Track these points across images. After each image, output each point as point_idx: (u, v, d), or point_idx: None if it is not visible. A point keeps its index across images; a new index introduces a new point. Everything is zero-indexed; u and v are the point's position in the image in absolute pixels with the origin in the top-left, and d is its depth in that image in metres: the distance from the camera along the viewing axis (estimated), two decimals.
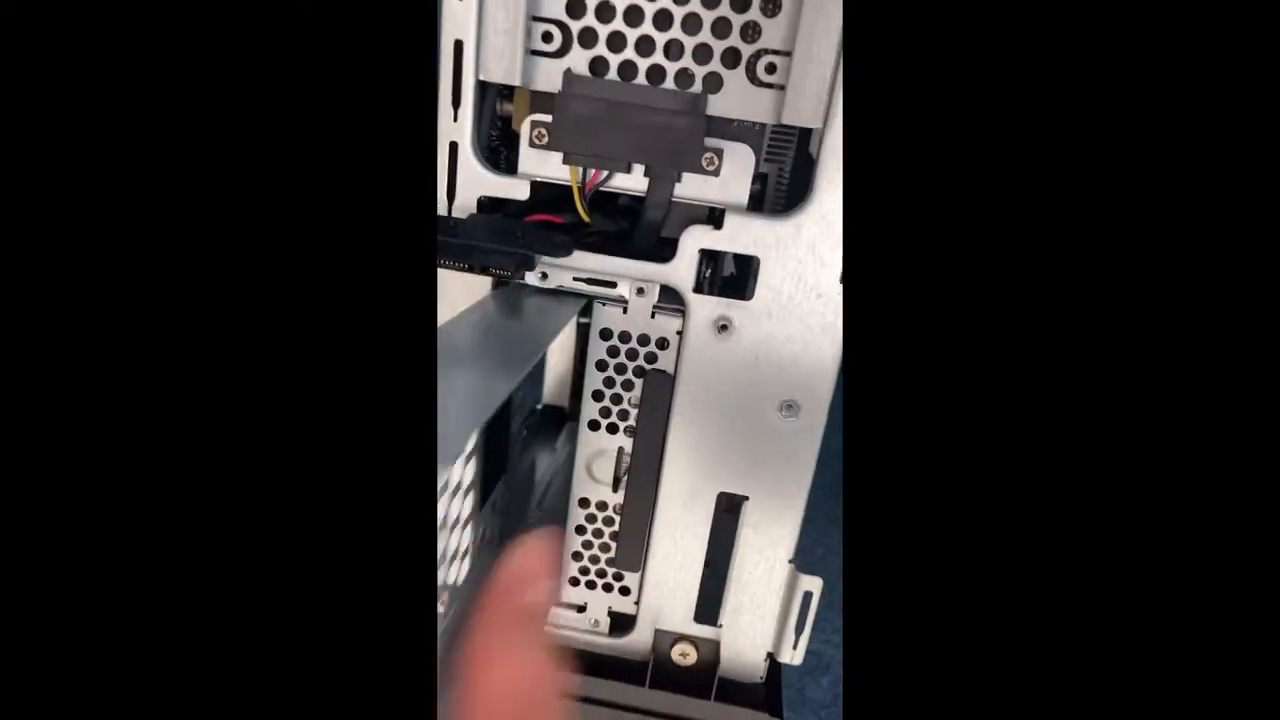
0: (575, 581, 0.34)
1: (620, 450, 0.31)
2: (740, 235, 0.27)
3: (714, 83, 0.27)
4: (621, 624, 0.34)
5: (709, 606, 0.32)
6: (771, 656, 0.33)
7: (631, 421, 0.31)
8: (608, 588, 0.34)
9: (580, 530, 0.33)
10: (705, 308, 0.28)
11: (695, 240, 0.28)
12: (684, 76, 0.27)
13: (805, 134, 0.29)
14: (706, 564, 0.32)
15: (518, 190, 0.28)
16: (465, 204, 0.28)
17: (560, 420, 0.41)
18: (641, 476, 0.31)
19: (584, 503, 0.33)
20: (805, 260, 0.27)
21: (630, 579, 0.33)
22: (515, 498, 0.37)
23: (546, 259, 0.27)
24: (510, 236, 0.26)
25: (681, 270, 0.28)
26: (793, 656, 0.32)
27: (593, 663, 0.33)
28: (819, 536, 0.49)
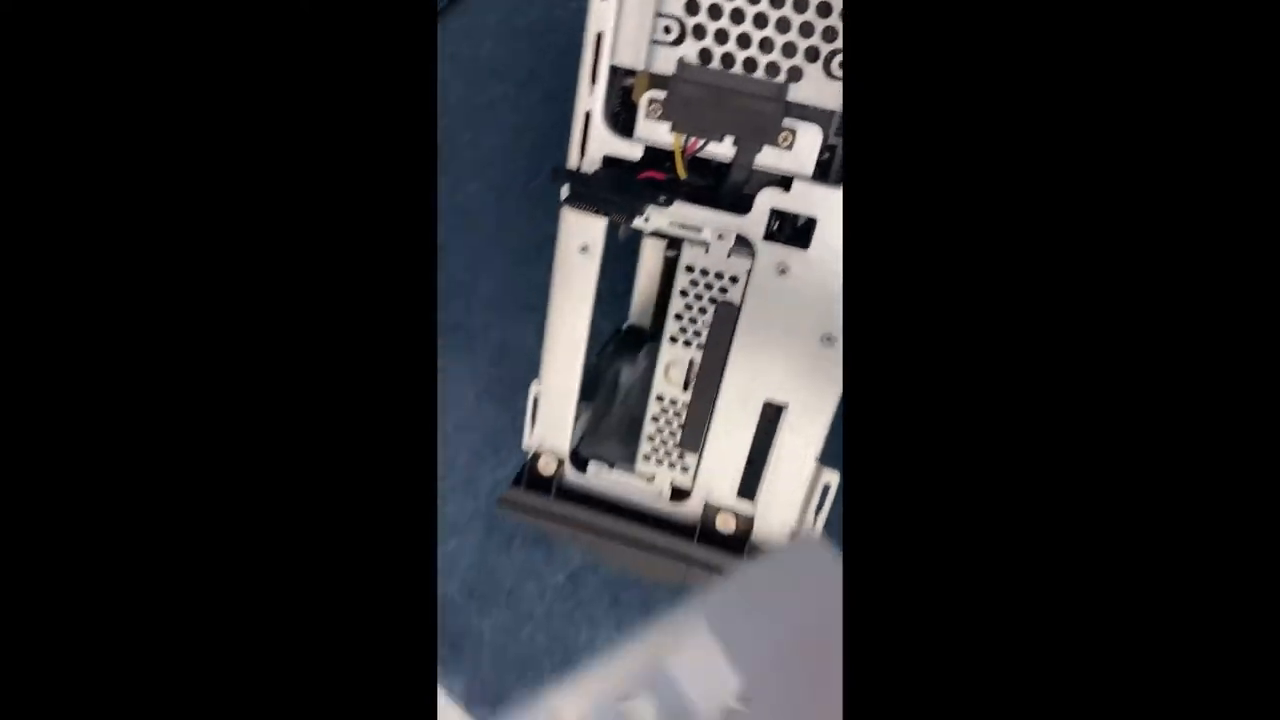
0: (647, 458, 0.43)
1: (691, 361, 0.40)
2: (803, 198, 0.35)
3: (796, 74, 0.33)
4: (679, 494, 0.43)
5: (749, 486, 0.41)
6: (794, 533, 0.42)
7: (703, 339, 0.39)
8: (672, 465, 0.43)
9: (655, 420, 0.42)
10: (770, 253, 0.36)
11: (768, 199, 0.35)
12: (772, 68, 0.34)
13: None
14: (750, 457, 0.41)
15: (634, 151, 0.35)
16: (592, 160, 0.36)
17: (640, 339, 0.50)
18: (706, 381, 0.40)
19: (659, 399, 0.42)
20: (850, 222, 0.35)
21: (690, 459, 0.42)
22: (603, 396, 0.47)
23: (651, 207, 0.35)
24: (625, 188, 0.34)
25: (754, 222, 0.36)
26: (813, 530, 0.41)
27: (655, 522, 0.43)
28: None
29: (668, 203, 0.34)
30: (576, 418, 0.44)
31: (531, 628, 0.53)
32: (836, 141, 0.36)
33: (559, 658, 0.52)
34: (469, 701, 0.52)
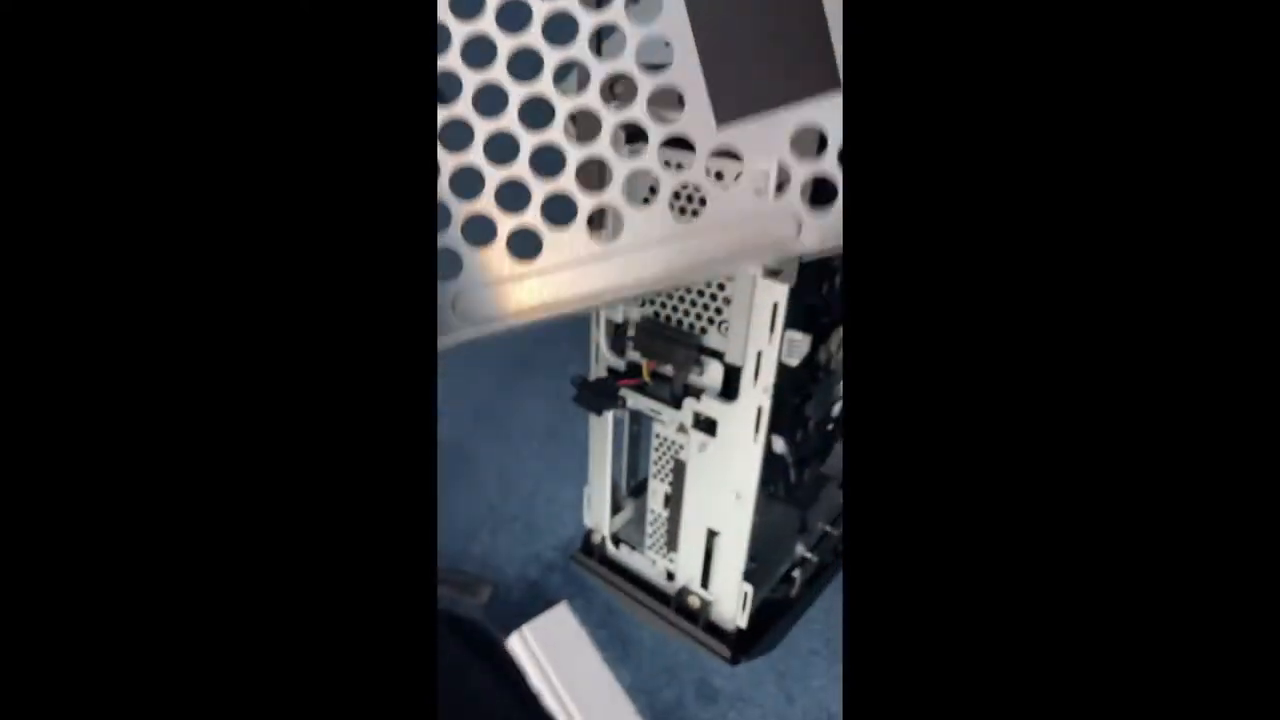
0: (650, 549, 0.65)
1: (666, 494, 0.61)
2: (708, 406, 0.54)
3: (703, 330, 0.53)
4: (670, 575, 0.64)
5: (704, 580, 0.61)
6: (739, 628, 0.60)
7: (671, 477, 0.60)
8: (663, 556, 0.64)
9: (651, 524, 0.64)
10: (695, 436, 0.55)
11: (689, 404, 0.55)
12: (691, 327, 0.53)
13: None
14: (705, 562, 0.60)
15: (620, 364, 0.58)
16: (600, 369, 0.59)
17: None
18: (673, 508, 0.60)
19: (653, 512, 0.63)
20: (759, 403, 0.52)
21: (672, 555, 0.63)
22: (641, 500, 0.70)
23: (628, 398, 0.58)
24: (602, 392, 0.57)
25: (684, 415, 0.55)
26: (742, 620, 0.59)
27: (653, 591, 0.65)
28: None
29: (623, 403, 0.56)
30: (617, 511, 0.68)
31: None
32: (739, 364, 0.54)
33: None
34: None
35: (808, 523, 0.67)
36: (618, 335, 0.59)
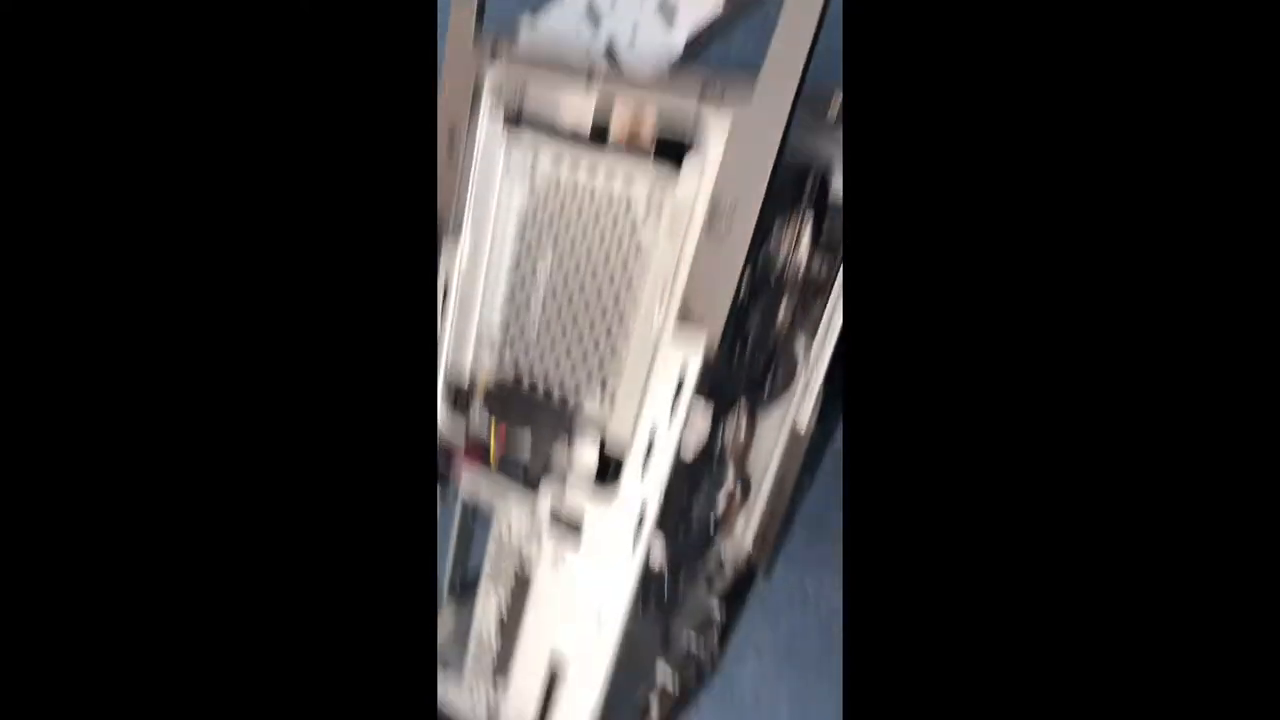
0: (473, 674, 0.49)
1: (500, 611, 0.46)
2: (575, 502, 0.40)
3: (578, 404, 0.40)
4: (492, 717, 0.48)
5: None
6: None
7: (508, 596, 0.45)
8: (490, 685, 0.48)
9: (478, 645, 0.48)
10: (549, 545, 0.42)
11: (548, 494, 0.41)
12: (562, 390, 0.40)
13: None
14: (544, 702, 0.45)
15: (459, 437, 0.43)
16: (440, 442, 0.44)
17: None
18: (508, 630, 0.45)
19: (479, 635, 0.48)
20: (620, 533, 0.40)
21: (501, 686, 0.48)
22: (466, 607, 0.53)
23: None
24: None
25: (542, 511, 0.42)
26: None
27: None
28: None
29: (449, 482, 0.41)
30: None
31: None
32: (621, 447, 0.42)
33: None
34: None
35: (671, 634, 0.55)
36: (459, 398, 0.44)
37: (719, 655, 0.57)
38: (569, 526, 0.42)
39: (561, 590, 0.42)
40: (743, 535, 0.48)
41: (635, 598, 0.40)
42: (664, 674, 0.53)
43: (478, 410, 0.43)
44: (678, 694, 0.54)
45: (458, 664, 0.50)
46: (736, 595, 0.52)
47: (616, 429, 0.39)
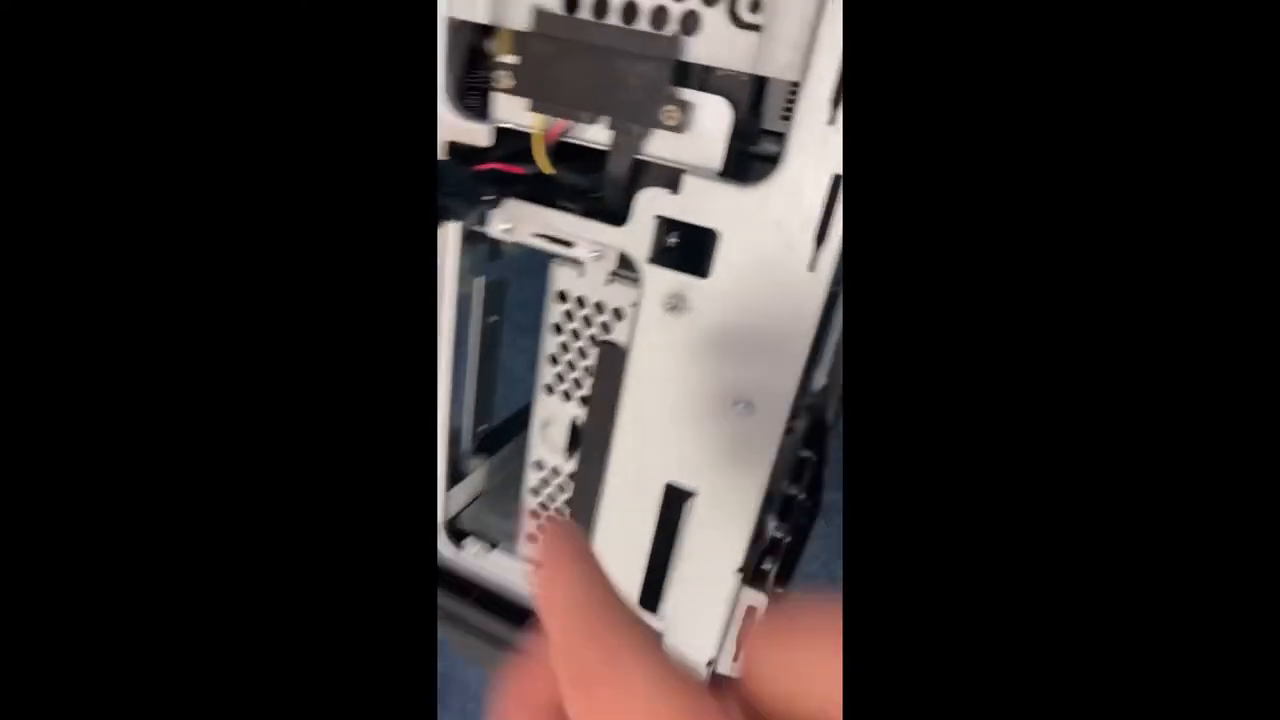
0: (532, 538, 0.33)
1: (574, 420, 0.30)
2: (697, 203, 0.24)
3: (691, 23, 0.23)
4: None
5: (651, 595, 0.30)
6: (712, 664, 0.31)
7: (585, 390, 0.29)
8: None
9: (535, 492, 0.32)
10: (659, 281, 0.25)
11: (651, 205, 0.25)
12: (660, 14, 0.23)
13: None
14: (652, 556, 0.30)
15: (478, 136, 0.26)
16: (440, 147, 0.27)
17: None
18: (591, 450, 0.29)
19: (539, 465, 0.32)
20: (769, 240, 0.24)
21: None
22: (501, 458, 0.38)
23: (491, 210, 0.26)
24: (451, 184, 0.25)
25: (636, 236, 0.25)
26: (732, 669, 0.30)
27: (514, 621, 0.33)
28: None
29: (493, 203, 0.24)
30: (456, 478, 0.35)
31: None
32: (755, 120, 0.25)
33: None
34: None
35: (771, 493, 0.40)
36: (477, 55, 0.27)
37: (819, 495, 0.43)
38: (685, 264, 0.25)
39: (681, 358, 0.26)
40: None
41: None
42: (774, 528, 0.38)
43: (501, 98, 0.25)
44: (790, 539, 0.40)
45: (500, 531, 0.34)
46: (815, 440, 0.36)
47: (779, 61, 0.22)
